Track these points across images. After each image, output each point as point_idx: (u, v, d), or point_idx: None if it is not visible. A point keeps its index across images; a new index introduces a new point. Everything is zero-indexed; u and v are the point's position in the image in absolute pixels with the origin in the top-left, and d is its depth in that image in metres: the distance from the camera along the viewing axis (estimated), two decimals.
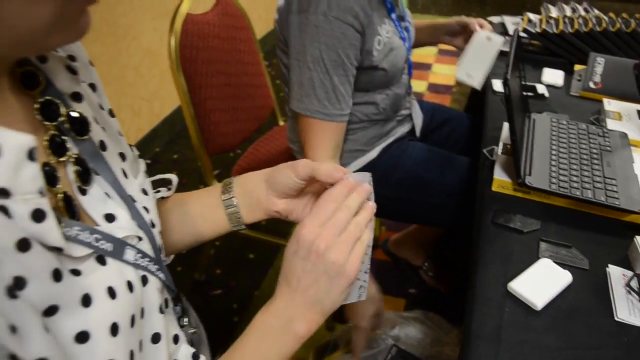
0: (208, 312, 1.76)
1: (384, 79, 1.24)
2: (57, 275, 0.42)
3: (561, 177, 0.97)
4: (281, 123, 1.90)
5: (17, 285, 0.39)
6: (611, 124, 1.21)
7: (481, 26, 1.40)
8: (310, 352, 1.40)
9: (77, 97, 0.55)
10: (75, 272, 0.45)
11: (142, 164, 0.67)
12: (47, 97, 0.50)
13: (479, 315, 0.74)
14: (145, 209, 0.60)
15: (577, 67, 1.52)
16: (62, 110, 0.51)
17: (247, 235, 1.85)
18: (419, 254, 1.90)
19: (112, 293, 0.47)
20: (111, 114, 0.63)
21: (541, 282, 0.78)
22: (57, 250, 0.43)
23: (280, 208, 0.71)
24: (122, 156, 0.60)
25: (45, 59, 0.51)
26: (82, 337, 0.44)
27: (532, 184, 0.94)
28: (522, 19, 1.73)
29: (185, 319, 0.68)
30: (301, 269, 0.57)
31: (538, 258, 0.84)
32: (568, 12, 1.70)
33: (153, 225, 0.60)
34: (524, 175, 0.96)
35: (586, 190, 0.94)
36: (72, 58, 0.56)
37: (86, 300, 0.45)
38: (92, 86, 0.60)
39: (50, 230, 0.42)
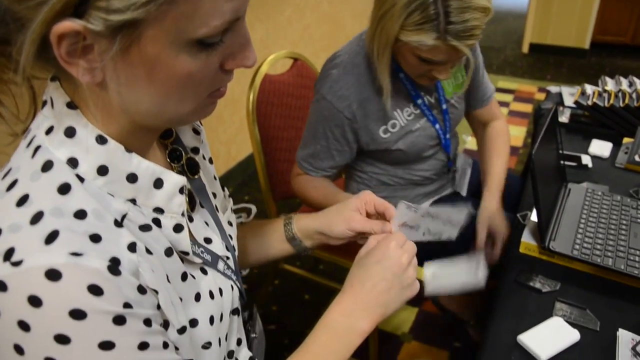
0: None
1: (404, 156, 1.39)
2: (184, 277, 0.62)
3: (585, 244, 1.06)
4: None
5: (167, 278, 0.59)
6: None
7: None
8: None
9: (195, 150, 0.75)
10: (192, 276, 0.64)
11: (230, 202, 0.87)
12: (175, 146, 0.71)
13: None
14: (230, 236, 0.79)
15: (626, 139, 1.59)
16: (183, 156, 0.72)
17: (306, 277, 2.00)
18: (467, 309, 1.96)
19: (211, 295, 0.67)
20: (210, 161, 0.82)
21: (549, 337, 0.87)
22: (185, 254, 0.63)
23: (337, 244, 0.88)
24: (214, 195, 0.80)
25: None
26: (193, 322, 0.63)
27: (554, 249, 1.03)
28: (578, 90, 1.81)
29: (250, 324, 0.86)
30: (381, 276, 0.73)
31: (552, 316, 0.92)
32: (624, 86, 1.77)
33: (234, 249, 0.80)
34: (548, 241, 1.05)
35: (607, 258, 1.02)
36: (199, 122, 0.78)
37: (197, 297, 0.64)
38: (201, 141, 0.79)
39: (184, 239, 0.62)
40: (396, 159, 1.40)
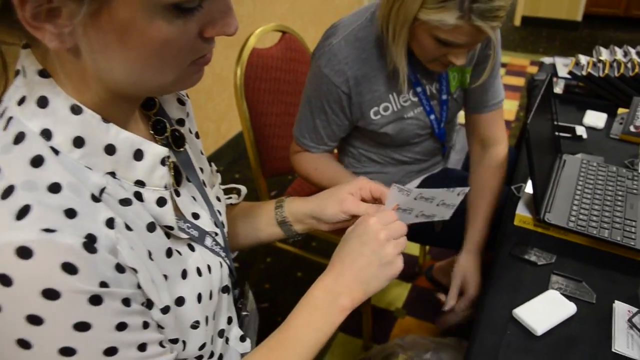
0: None
1: (391, 140, 1.33)
2: (169, 253, 0.59)
3: (581, 216, 1.04)
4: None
5: (149, 255, 0.56)
6: None
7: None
8: None
9: (180, 122, 0.72)
10: (178, 252, 0.61)
11: (218, 178, 0.84)
12: (158, 117, 0.68)
13: (481, 335, 0.82)
14: (219, 212, 0.76)
15: (621, 110, 1.56)
16: (168, 128, 0.68)
17: (298, 254, 1.98)
18: None
19: (199, 272, 0.64)
20: (197, 136, 0.79)
21: (545, 311, 0.85)
22: (169, 229, 0.60)
23: (327, 229, 0.85)
24: (201, 170, 0.76)
25: None
26: (180, 301, 0.60)
27: (550, 221, 1.01)
28: (572, 61, 1.78)
29: (241, 302, 0.84)
30: (359, 252, 0.71)
31: (547, 289, 0.91)
32: (619, 56, 1.74)
33: (223, 226, 0.77)
34: (543, 213, 1.03)
35: (603, 230, 1.00)
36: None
37: (184, 274, 0.62)
38: (187, 114, 0.76)
39: (168, 213, 0.59)
40: (384, 141, 1.36)
